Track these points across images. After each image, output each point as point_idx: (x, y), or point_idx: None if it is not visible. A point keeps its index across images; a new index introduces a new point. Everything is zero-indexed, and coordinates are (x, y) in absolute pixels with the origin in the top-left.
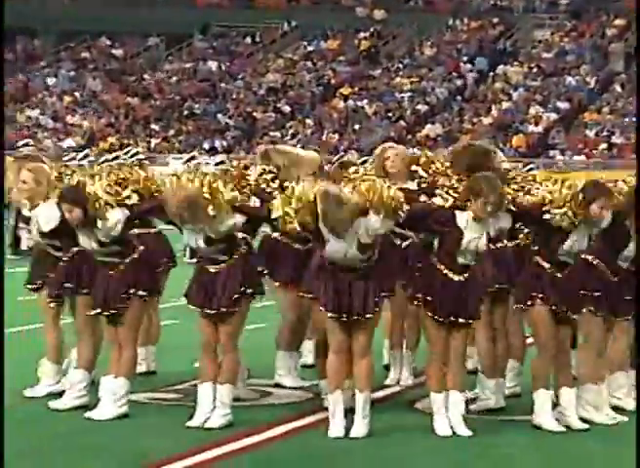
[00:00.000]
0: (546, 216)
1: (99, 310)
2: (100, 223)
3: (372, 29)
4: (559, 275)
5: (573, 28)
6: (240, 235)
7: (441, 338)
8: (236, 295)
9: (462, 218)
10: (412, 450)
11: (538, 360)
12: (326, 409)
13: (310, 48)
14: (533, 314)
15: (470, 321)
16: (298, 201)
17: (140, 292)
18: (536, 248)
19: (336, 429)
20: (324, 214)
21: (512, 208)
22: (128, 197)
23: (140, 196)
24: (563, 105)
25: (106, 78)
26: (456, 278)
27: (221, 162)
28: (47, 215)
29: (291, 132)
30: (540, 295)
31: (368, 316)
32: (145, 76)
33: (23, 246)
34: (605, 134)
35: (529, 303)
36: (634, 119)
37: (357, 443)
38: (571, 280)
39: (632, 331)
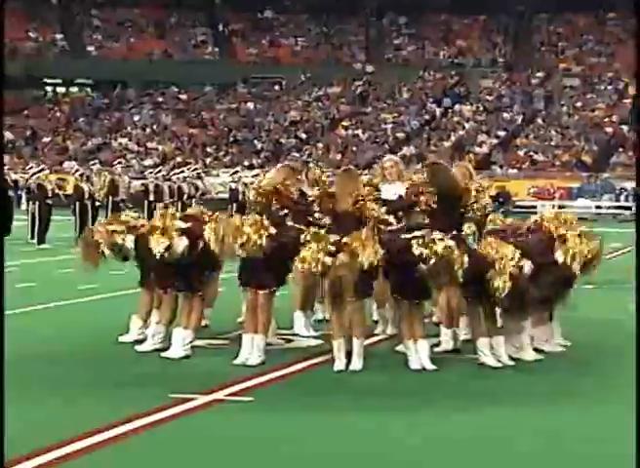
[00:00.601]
0: None
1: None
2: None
3: (364, 79)
4: None
5: (507, 78)
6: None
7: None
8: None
9: None
10: (394, 379)
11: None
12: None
13: (320, 92)
14: None
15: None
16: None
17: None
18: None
19: (339, 364)
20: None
21: None
22: None
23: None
24: (501, 133)
25: (175, 115)
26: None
27: (256, 175)
28: None
29: (307, 153)
30: None
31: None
32: (203, 113)
33: None
34: (530, 153)
35: None
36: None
37: (354, 374)
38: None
39: None
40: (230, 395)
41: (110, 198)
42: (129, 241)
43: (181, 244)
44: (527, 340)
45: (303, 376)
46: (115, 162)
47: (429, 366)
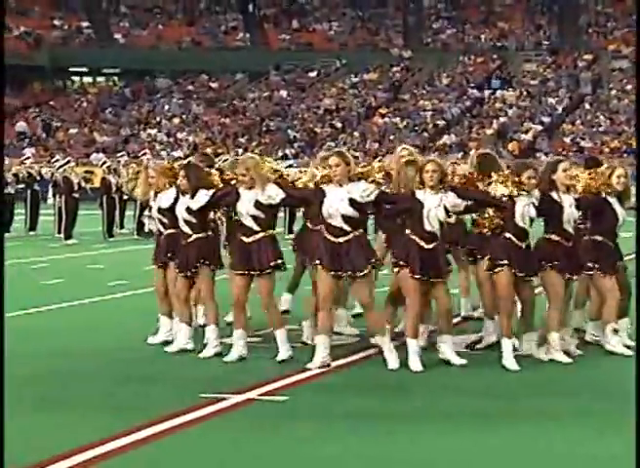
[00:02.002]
0: (497, 194)
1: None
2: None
3: (402, 65)
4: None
5: (553, 62)
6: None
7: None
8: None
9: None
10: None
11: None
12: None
13: (356, 79)
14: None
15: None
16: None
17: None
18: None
19: (394, 361)
20: None
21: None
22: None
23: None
24: (546, 120)
25: (205, 104)
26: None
27: (290, 165)
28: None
29: (342, 142)
30: (506, 262)
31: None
32: (234, 102)
33: (145, 229)
34: (577, 140)
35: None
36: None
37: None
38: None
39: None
40: (264, 395)
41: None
42: None
43: None
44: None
45: (345, 374)
46: (140, 153)
47: (458, 360)
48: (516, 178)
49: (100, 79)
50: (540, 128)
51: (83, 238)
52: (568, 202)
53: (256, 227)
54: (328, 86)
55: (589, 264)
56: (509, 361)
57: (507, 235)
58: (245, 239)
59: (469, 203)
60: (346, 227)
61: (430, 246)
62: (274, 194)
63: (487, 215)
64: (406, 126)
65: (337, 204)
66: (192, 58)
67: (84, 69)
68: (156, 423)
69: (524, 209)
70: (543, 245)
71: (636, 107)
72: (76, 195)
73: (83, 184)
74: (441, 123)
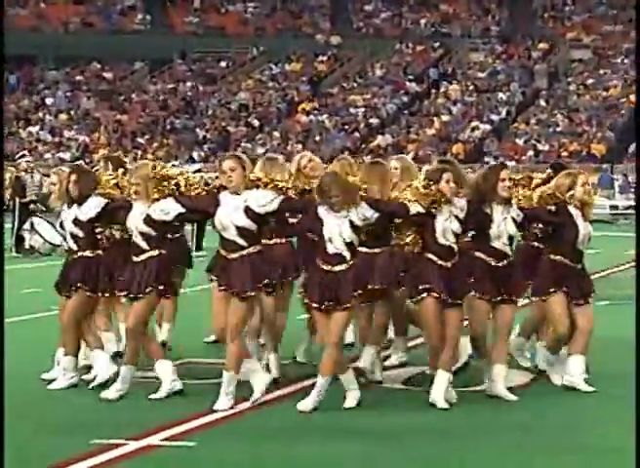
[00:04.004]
0: (412, 211)
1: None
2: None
3: (329, 53)
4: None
5: (503, 51)
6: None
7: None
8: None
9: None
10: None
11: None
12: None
13: (276, 70)
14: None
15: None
16: None
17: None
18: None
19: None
20: None
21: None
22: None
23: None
24: (495, 118)
25: (98, 97)
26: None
27: (199, 170)
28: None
29: (260, 143)
30: (428, 287)
31: None
32: (132, 96)
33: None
34: (532, 142)
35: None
36: (555, 130)
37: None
38: (456, 269)
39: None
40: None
41: (17, 200)
42: None
43: None
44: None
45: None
46: (17, 156)
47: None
48: (433, 188)
49: None
50: (488, 127)
51: None
52: (501, 215)
53: (144, 245)
54: (243, 77)
55: (551, 289)
56: (437, 395)
57: (429, 255)
58: (134, 258)
59: (378, 216)
60: (241, 241)
61: (332, 268)
62: (168, 209)
63: (409, 233)
64: (335, 125)
65: (231, 214)
66: (81, 42)
67: None
68: None
69: (444, 224)
70: (470, 263)
71: (636, 106)
72: None
73: None
74: (375, 121)
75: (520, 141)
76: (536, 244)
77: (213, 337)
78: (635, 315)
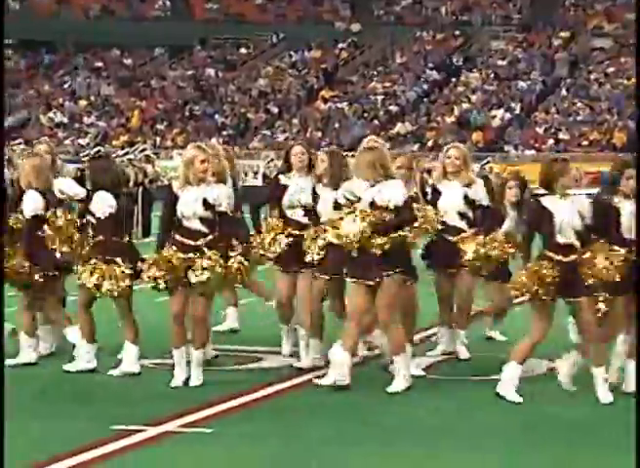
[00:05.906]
0: None
1: None
2: None
3: (349, 40)
4: None
5: (524, 39)
6: None
7: None
8: None
9: None
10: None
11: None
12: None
13: (295, 57)
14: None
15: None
16: None
17: None
18: None
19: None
20: None
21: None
22: None
23: None
24: (516, 107)
25: (118, 84)
26: None
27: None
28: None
29: (279, 130)
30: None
31: None
32: (152, 82)
33: None
34: (552, 130)
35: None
36: (578, 118)
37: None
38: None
39: None
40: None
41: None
42: None
43: None
44: None
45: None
46: (35, 141)
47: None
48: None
49: None
50: (509, 116)
51: None
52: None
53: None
54: (263, 64)
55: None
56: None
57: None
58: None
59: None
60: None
61: None
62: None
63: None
64: (354, 112)
65: (191, 205)
66: (102, 28)
67: None
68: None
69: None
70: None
71: (636, 102)
72: None
73: None
74: (394, 109)
75: (540, 130)
76: None
77: (225, 326)
78: (635, 315)
